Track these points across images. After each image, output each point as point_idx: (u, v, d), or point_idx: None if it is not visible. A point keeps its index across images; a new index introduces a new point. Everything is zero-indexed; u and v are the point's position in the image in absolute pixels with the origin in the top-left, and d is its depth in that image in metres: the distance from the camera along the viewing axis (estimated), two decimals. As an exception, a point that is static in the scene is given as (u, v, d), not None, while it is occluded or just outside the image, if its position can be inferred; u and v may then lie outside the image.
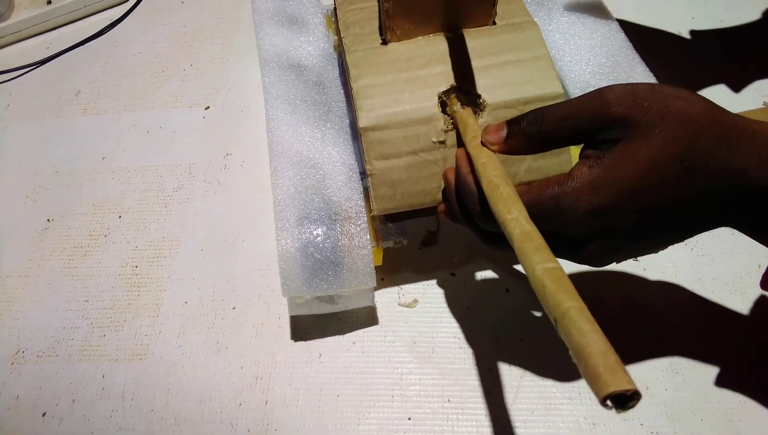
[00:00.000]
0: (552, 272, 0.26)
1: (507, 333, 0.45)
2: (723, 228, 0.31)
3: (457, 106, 0.39)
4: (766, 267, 0.31)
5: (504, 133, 0.33)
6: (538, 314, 0.45)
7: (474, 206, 0.34)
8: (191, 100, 0.64)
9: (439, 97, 0.39)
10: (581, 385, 0.42)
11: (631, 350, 0.43)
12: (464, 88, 0.40)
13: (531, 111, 0.33)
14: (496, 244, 0.35)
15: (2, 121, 0.65)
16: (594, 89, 0.31)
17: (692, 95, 0.30)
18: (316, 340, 0.46)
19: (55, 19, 0.73)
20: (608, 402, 0.21)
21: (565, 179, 0.31)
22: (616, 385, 0.21)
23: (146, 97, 0.65)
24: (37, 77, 0.69)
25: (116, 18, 0.73)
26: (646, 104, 0.29)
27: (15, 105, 0.66)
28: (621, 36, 0.48)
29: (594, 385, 0.22)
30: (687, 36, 0.63)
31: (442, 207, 0.39)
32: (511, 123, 0.33)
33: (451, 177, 0.36)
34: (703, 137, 0.29)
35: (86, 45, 0.71)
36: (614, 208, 0.30)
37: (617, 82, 0.45)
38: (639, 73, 0.46)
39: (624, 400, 0.21)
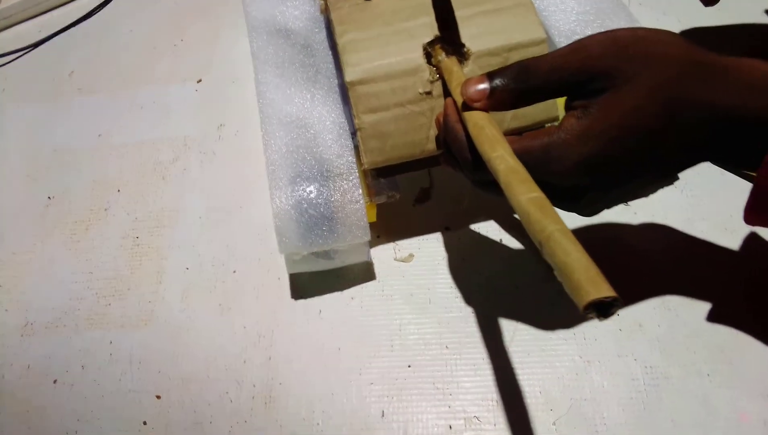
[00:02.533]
0: (536, 201, 0.27)
1: (502, 281, 0.46)
2: (711, 169, 0.32)
3: (441, 56, 0.39)
4: (746, 202, 0.32)
5: (486, 88, 0.33)
6: (531, 261, 0.46)
7: (463, 154, 0.34)
8: (183, 74, 0.64)
9: (424, 49, 0.40)
10: (575, 326, 0.43)
11: (624, 291, 0.43)
12: (449, 38, 0.40)
13: (513, 65, 0.33)
14: (488, 188, 0.36)
15: (-1, 105, 0.66)
16: (575, 40, 0.32)
17: (672, 37, 0.31)
18: (316, 297, 0.47)
19: (45, 2, 0.73)
20: (591, 312, 0.23)
21: (555, 130, 0.31)
22: (596, 293, 0.22)
23: (139, 73, 0.65)
24: (31, 60, 0.70)
25: (105, -1, 0.74)
26: (630, 52, 0.30)
27: (10, 89, 0.67)
28: (604, -18, 0.48)
29: (576, 296, 0.23)
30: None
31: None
32: (493, 77, 0.33)
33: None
34: (685, 79, 0.30)
35: (78, 26, 0.71)
36: (604, 157, 0.30)
37: (603, 29, 0.45)
38: (623, 19, 0.46)
39: (605, 307, 0.22)
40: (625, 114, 0.29)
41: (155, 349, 0.47)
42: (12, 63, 0.70)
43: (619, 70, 0.30)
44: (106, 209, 0.55)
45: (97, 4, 0.73)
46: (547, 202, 0.27)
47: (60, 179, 0.58)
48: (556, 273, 0.24)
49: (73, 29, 0.71)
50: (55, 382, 0.46)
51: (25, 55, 0.70)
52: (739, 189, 0.47)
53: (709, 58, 0.30)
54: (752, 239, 0.45)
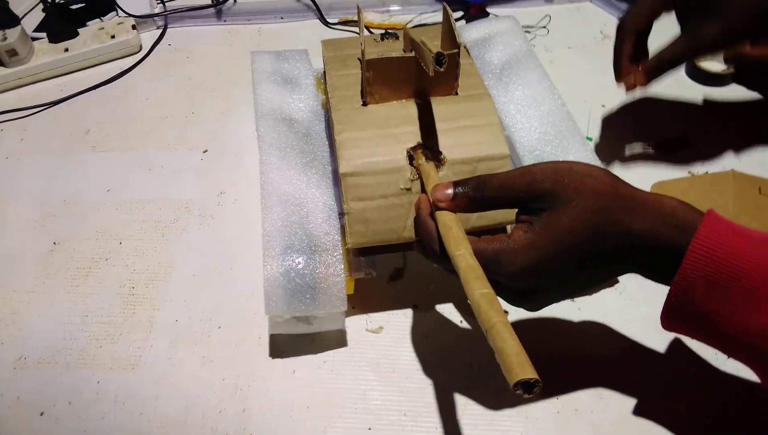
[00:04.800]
0: (487, 296, 0.34)
1: (458, 358, 0.51)
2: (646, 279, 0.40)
3: (422, 160, 0.47)
4: (660, 311, 0.39)
5: (450, 193, 0.41)
6: (484, 343, 0.52)
7: (432, 245, 0.41)
8: (191, 143, 0.71)
9: (408, 152, 0.47)
10: (519, 405, 0.49)
11: (564, 379, 0.50)
12: (429, 145, 0.48)
13: (474, 178, 0.41)
14: (451, 273, 0.42)
15: (15, 153, 0.72)
16: (524, 165, 0.39)
17: (602, 173, 0.39)
18: (291, 357, 0.52)
19: (70, 64, 0.81)
20: (518, 389, 0.29)
21: (505, 239, 0.38)
22: (523, 374, 0.29)
23: (150, 138, 0.72)
24: (50, 116, 0.76)
25: (127, 67, 0.81)
26: (566, 181, 0.37)
27: (28, 140, 0.73)
28: (564, 109, 0.57)
29: (508, 375, 0.30)
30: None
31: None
32: (457, 185, 0.41)
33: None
34: (609, 208, 0.37)
35: (98, 89, 0.79)
36: (543, 266, 0.37)
37: (560, 148, 0.54)
38: (576, 140, 0.54)
39: (529, 386, 0.29)
40: (560, 233, 0.36)
41: (139, 392, 0.51)
42: (32, 116, 0.76)
43: (556, 195, 0.37)
44: (106, 259, 0.60)
45: (119, 72, 0.80)
46: (494, 297, 0.34)
47: (66, 227, 0.64)
48: (496, 355, 0.31)
49: (93, 92, 0.78)
50: (41, 414, 0.50)
51: (46, 111, 0.77)
52: (669, 296, 0.54)
53: (630, 192, 0.37)
54: (676, 343, 0.51)
